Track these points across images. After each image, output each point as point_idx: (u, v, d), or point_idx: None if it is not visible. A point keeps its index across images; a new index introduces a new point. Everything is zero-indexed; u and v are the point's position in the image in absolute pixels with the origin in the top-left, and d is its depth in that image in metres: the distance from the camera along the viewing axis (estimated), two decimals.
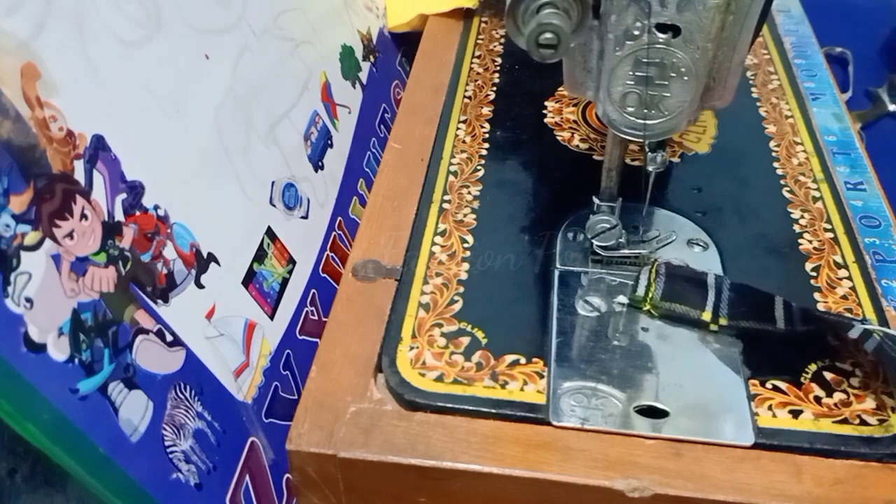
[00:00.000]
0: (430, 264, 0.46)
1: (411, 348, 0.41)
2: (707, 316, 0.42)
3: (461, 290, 0.44)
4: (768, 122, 0.57)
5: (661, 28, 0.36)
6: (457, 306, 0.43)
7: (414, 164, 0.54)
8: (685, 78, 0.37)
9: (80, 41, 0.36)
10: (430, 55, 0.66)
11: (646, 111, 0.39)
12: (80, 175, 0.34)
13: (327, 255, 0.54)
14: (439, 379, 0.40)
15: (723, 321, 0.42)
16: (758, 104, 0.58)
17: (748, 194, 0.51)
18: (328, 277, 0.54)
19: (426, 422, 0.38)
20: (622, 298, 0.44)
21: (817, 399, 0.39)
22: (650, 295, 0.43)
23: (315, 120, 0.57)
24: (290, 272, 0.50)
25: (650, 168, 0.42)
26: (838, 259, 0.46)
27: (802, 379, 0.40)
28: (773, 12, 0.70)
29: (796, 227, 0.48)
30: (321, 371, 0.41)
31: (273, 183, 0.50)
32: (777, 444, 0.37)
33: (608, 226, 0.44)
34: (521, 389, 0.39)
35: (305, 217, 0.53)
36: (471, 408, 0.39)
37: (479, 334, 0.42)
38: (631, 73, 0.38)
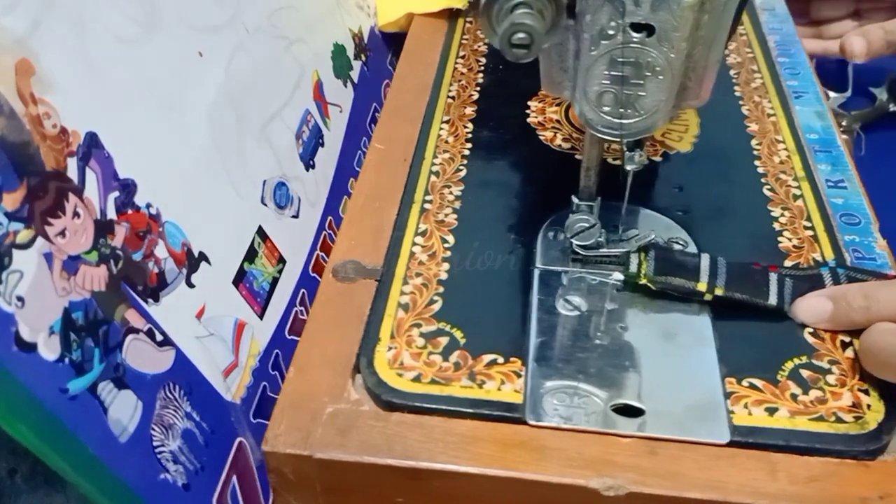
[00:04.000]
0: (410, 264, 0.46)
1: (389, 349, 0.41)
2: (702, 286, 0.42)
3: (441, 290, 0.44)
4: (751, 120, 0.57)
5: (636, 27, 0.36)
6: (436, 306, 0.43)
7: (396, 164, 0.54)
8: (660, 77, 0.37)
9: (76, 38, 0.36)
10: (415, 55, 0.66)
11: (622, 110, 0.39)
12: (73, 173, 0.34)
13: (317, 254, 0.54)
14: (417, 379, 0.40)
15: (718, 291, 0.42)
16: (740, 102, 0.59)
17: (729, 192, 0.51)
18: (318, 277, 0.54)
19: (403, 422, 0.38)
20: (617, 275, 0.44)
21: (793, 396, 0.39)
22: (643, 271, 0.43)
23: (307, 119, 0.57)
24: (281, 272, 0.50)
25: (628, 167, 0.42)
26: (817, 256, 0.46)
27: (779, 376, 0.40)
28: (757, 10, 0.70)
29: (776, 226, 0.48)
30: (299, 372, 0.41)
31: (265, 182, 0.50)
32: (753, 442, 0.37)
33: (587, 225, 0.44)
34: (499, 389, 0.39)
35: (296, 216, 0.53)
36: (448, 408, 0.39)
37: (458, 334, 0.42)
38: (606, 72, 0.38)
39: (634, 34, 0.36)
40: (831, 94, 0.75)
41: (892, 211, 0.53)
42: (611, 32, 0.37)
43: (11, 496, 0.39)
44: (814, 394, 0.39)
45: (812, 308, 0.42)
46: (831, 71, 0.76)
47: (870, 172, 0.65)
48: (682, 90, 0.39)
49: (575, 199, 0.45)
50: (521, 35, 0.34)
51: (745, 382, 0.40)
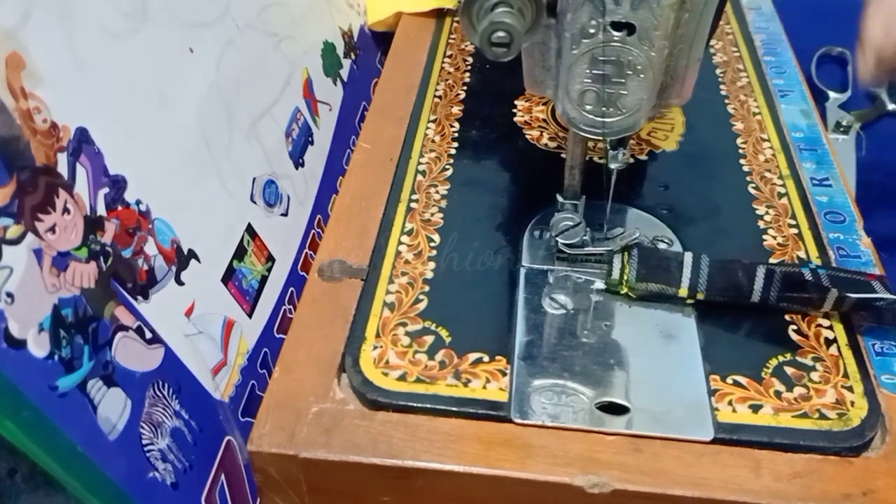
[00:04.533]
0: (396, 264, 0.46)
1: (375, 348, 0.41)
2: (683, 292, 0.43)
3: (426, 289, 0.44)
4: (736, 118, 0.57)
5: (616, 26, 0.36)
6: (421, 305, 0.44)
7: (383, 163, 0.54)
8: (641, 75, 0.38)
9: (67, 32, 0.36)
10: (402, 55, 0.66)
11: (604, 109, 0.39)
12: (63, 168, 0.34)
13: (306, 253, 0.54)
14: (402, 378, 0.40)
15: (700, 296, 0.43)
16: (726, 101, 0.59)
17: (714, 191, 0.51)
18: (307, 276, 0.54)
19: (388, 421, 0.39)
20: (599, 284, 0.45)
21: (777, 394, 0.39)
22: (625, 277, 0.43)
23: (296, 116, 0.57)
24: (269, 270, 0.49)
25: (612, 165, 0.42)
26: (802, 255, 0.46)
27: (763, 374, 0.40)
28: (743, 9, 0.70)
29: (761, 224, 0.48)
30: (284, 372, 0.41)
31: (254, 179, 0.49)
32: (737, 439, 0.37)
33: (571, 223, 0.44)
34: (484, 387, 0.39)
35: (285, 214, 0.53)
36: (433, 406, 0.39)
37: (444, 333, 0.42)
38: (588, 70, 0.38)
39: (615, 33, 0.37)
40: (831, 94, 0.75)
41: (891, 210, 0.53)
42: (591, 31, 0.37)
43: (11, 496, 0.39)
44: (798, 391, 0.39)
45: None
46: (831, 71, 0.76)
47: (870, 172, 0.65)
48: (663, 88, 0.39)
49: (560, 198, 0.45)
50: (500, 34, 0.34)
51: (729, 380, 0.40)
